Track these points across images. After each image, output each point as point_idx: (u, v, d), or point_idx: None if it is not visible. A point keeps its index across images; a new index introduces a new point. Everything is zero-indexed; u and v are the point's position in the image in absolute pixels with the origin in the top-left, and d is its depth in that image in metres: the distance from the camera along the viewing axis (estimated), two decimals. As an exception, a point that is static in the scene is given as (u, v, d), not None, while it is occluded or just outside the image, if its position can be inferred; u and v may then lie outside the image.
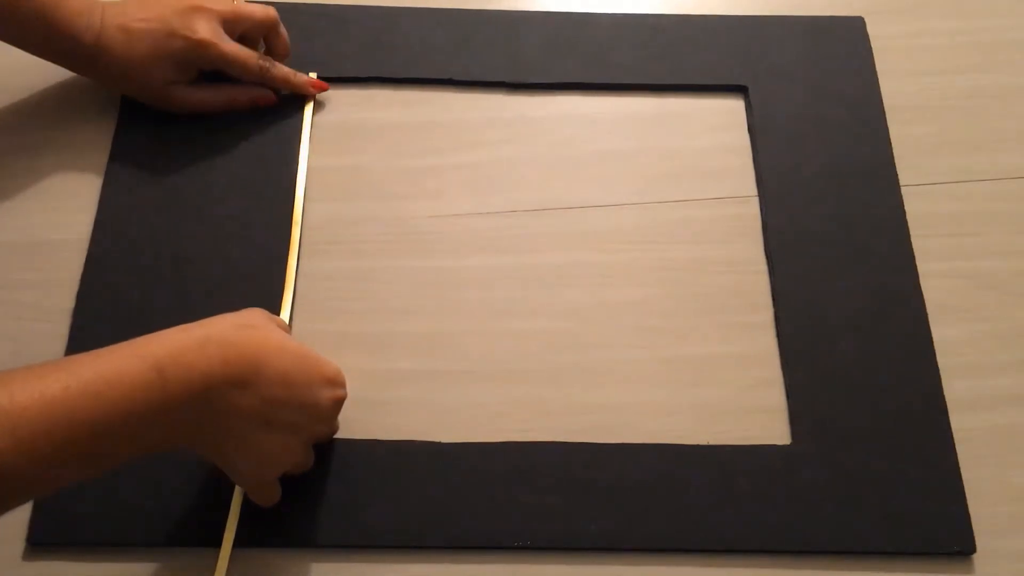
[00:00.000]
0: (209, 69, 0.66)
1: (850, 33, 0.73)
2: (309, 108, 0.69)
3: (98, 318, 0.61)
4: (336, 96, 0.70)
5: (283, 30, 0.68)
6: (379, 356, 0.61)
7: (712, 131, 0.70)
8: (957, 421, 0.59)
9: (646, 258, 0.65)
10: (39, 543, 0.54)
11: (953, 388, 0.60)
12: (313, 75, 0.69)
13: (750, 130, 0.70)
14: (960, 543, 0.56)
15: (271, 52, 0.69)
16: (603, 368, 0.61)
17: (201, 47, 0.64)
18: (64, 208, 0.65)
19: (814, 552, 0.56)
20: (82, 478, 0.46)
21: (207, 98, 0.67)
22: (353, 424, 0.58)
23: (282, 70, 0.68)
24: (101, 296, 0.61)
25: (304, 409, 0.51)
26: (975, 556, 0.56)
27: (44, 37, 0.63)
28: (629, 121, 0.70)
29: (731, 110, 0.71)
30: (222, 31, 0.65)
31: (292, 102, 0.69)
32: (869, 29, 0.74)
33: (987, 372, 0.61)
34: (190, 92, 0.67)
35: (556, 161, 0.68)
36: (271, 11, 0.67)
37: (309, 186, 0.66)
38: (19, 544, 0.54)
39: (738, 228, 0.66)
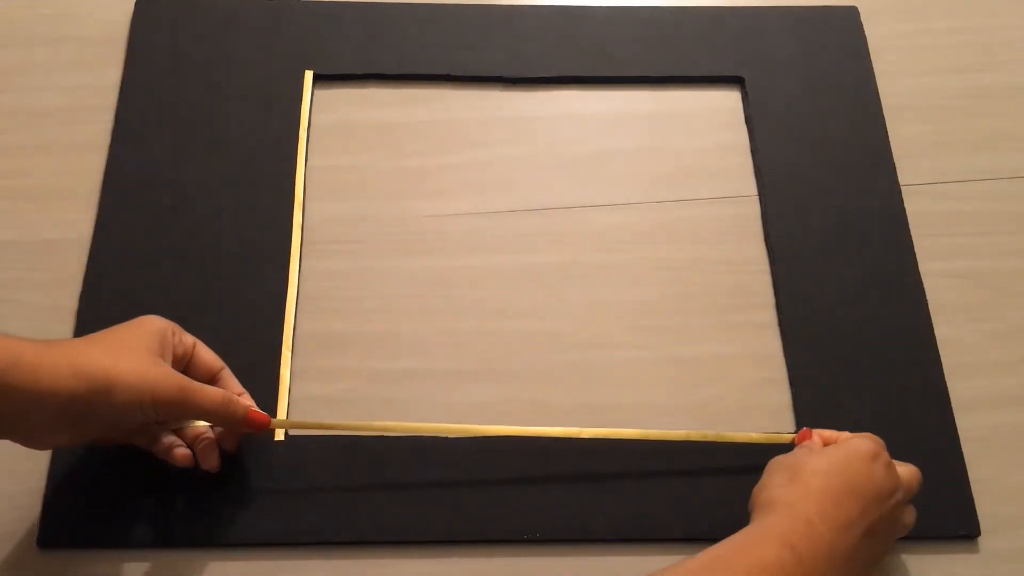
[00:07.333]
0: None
1: (844, 23, 0.74)
2: (308, 108, 0.68)
3: (102, 318, 0.61)
4: (335, 95, 0.70)
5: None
6: (379, 356, 0.61)
7: (711, 129, 0.70)
8: (957, 421, 0.60)
9: (646, 258, 0.65)
10: (49, 545, 0.55)
11: (953, 388, 0.61)
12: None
13: (747, 121, 0.70)
14: (964, 527, 0.57)
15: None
16: (603, 368, 0.61)
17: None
18: (65, 208, 0.65)
19: None
20: None
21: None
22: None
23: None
24: (104, 296, 0.62)
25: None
26: (978, 555, 0.56)
27: None
28: (629, 120, 0.70)
29: (729, 106, 0.71)
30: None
31: (291, 102, 0.69)
32: (868, 29, 0.74)
33: (987, 372, 0.62)
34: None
35: (556, 161, 0.68)
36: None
37: (309, 186, 0.66)
38: (30, 546, 0.55)
39: (738, 227, 0.66)
